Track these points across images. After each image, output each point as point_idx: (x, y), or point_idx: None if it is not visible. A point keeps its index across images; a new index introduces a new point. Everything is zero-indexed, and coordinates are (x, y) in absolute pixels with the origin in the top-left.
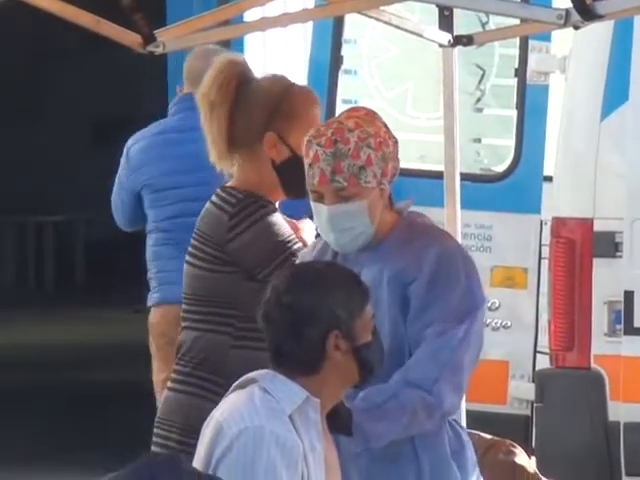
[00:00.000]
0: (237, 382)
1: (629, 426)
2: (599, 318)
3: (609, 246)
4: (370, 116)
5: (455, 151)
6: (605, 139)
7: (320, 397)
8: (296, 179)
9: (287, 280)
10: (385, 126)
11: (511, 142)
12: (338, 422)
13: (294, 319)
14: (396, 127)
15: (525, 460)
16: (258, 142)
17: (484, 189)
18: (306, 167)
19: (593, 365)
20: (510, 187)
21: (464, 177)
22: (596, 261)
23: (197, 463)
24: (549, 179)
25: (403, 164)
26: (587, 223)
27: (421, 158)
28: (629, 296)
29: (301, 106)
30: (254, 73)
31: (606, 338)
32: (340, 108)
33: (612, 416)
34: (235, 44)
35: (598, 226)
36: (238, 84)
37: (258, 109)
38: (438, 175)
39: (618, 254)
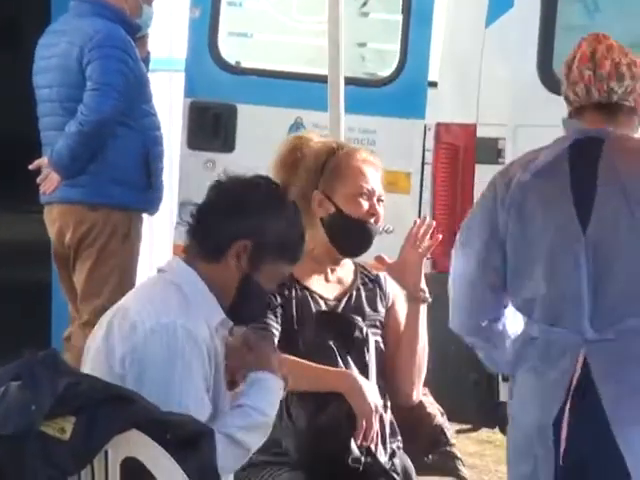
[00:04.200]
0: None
1: None
2: None
3: (492, 152)
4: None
5: (339, 55)
6: (490, 46)
7: (214, 289)
8: (342, 235)
9: (249, 178)
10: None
11: (396, 47)
12: None
13: (226, 203)
14: (282, 30)
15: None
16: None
17: (369, 93)
18: None
19: None
20: (395, 92)
21: (349, 81)
22: (478, 167)
23: (95, 351)
24: (434, 85)
25: (289, 68)
26: (470, 129)
27: (308, 62)
28: None
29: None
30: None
31: None
32: (225, 9)
33: None
34: None
35: (481, 132)
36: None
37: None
38: (324, 79)
39: (500, 160)
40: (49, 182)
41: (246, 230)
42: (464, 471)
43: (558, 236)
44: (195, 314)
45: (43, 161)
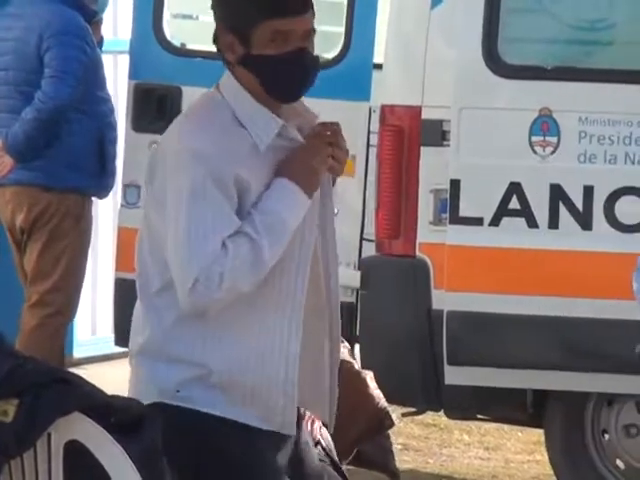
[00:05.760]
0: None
1: (451, 314)
2: (425, 207)
3: (436, 134)
4: None
5: None
6: (435, 28)
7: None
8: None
9: None
10: None
11: (341, 29)
12: None
13: None
14: None
15: (347, 356)
16: None
17: None
18: None
19: (418, 253)
20: (340, 74)
21: None
22: (423, 149)
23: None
24: (379, 67)
25: None
26: (415, 111)
27: None
28: (455, 185)
29: None
30: None
31: (432, 227)
32: None
33: (436, 304)
34: None
35: (426, 114)
36: None
37: None
38: None
39: (445, 143)
40: (3, 165)
41: (219, 24)
42: (395, 466)
43: None
44: (232, 131)
45: None
